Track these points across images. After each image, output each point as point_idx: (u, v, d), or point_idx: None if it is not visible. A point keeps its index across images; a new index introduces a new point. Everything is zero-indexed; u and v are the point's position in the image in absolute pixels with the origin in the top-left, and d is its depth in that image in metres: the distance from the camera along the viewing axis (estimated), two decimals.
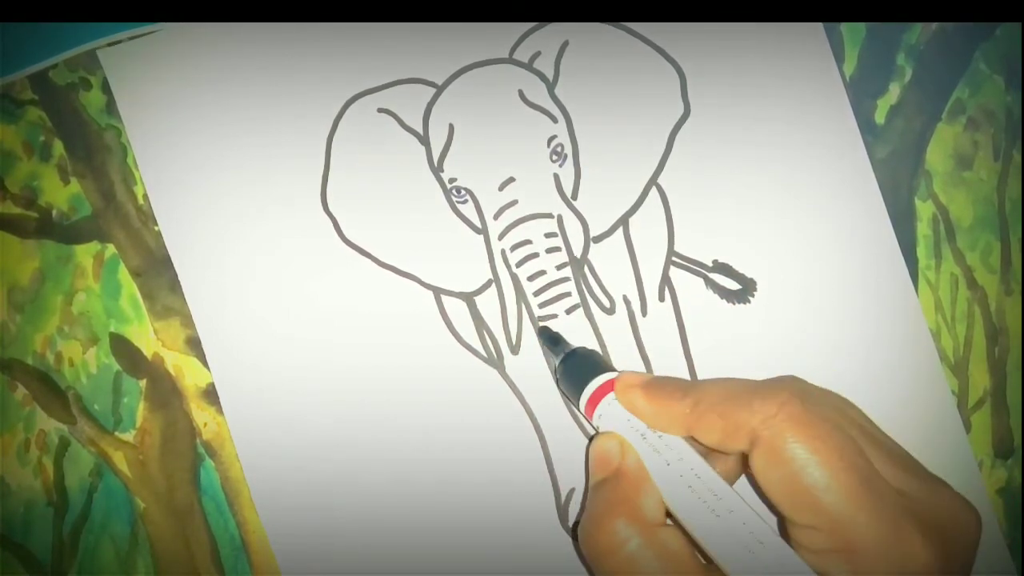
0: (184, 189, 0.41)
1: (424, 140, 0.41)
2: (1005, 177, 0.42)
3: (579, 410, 0.35)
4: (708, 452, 0.32)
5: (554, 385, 0.40)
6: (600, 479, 0.32)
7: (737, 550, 0.28)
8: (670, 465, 0.30)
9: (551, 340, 0.38)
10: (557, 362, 0.37)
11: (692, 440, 0.31)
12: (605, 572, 0.30)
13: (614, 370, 0.35)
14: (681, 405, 0.31)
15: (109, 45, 0.42)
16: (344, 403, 0.40)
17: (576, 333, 0.39)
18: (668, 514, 0.31)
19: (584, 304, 0.40)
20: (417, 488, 0.40)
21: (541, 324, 0.39)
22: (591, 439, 0.33)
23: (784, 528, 0.29)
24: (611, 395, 0.33)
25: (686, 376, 0.40)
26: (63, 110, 0.42)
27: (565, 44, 0.41)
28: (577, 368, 0.36)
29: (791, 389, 0.29)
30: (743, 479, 0.33)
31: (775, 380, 0.31)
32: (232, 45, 0.41)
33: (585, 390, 0.34)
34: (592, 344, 0.40)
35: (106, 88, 0.42)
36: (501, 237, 0.40)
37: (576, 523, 0.33)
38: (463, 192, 0.40)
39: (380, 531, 0.40)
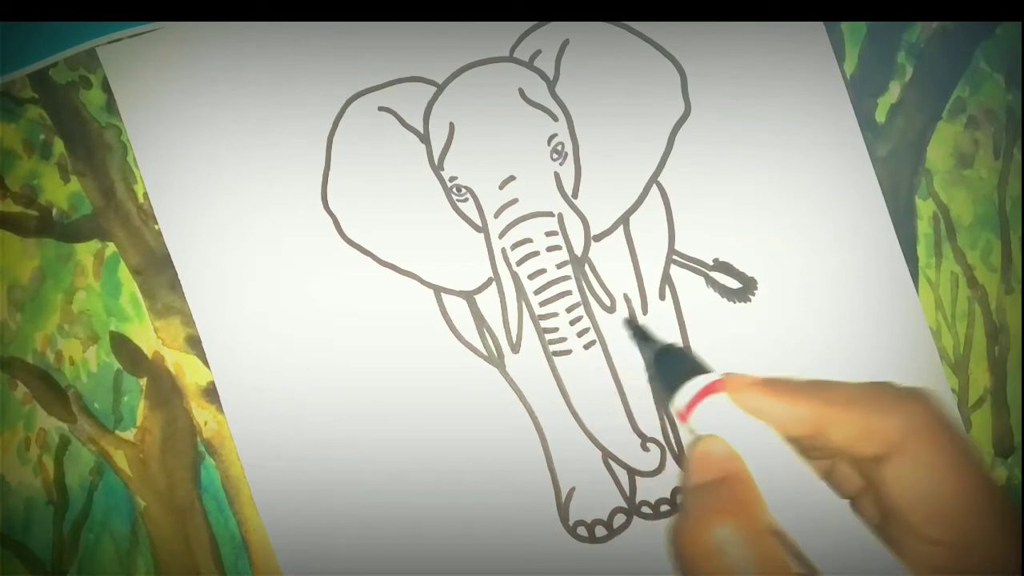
0: (184, 187, 0.41)
1: (425, 139, 0.41)
2: (1005, 175, 0.42)
3: (674, 407, 0.33)
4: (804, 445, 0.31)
5: (554, 384, 0.40)
6: (704, 481, 0.31)
7: (842, 562, 0.28)
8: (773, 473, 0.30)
9: (641, 333, 0.37)
10: (652, 356, 0.35)
11: (802, 439, 0.31)
12: (703, 574, 0.29)
13: (713, 371, 0.34)
14: (812, 403, 0.30)
15: (109, 43, 0.42)
16: (344, 401, 0.40)
17: (576, 332, 0.39)
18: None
19: (585, 302, 0.40)
20: (417, 486, 0.40)
21: (626, 317, 0.39)
22: (693, 443, 0.32)
23: (889, 536, 0.29)
24: (721, 395, 0.31)
25: None
26: (63, 109, 0.42)
27: (566, 43, 0.41)
28: (676, 364, 0.33)
29: (929, 398, 0.29)
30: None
31: (903, 388, 0.31)
32: (233, 44, 0.41)
33: (686, 387, 0.32)
34: (592, 344, 0.40)
35: (106, 87, 0.42)
36: (502, 235, 0.40)
37: (675, 530, 0.32)
38: (463, 190, 0.40)
39: (380, 529, 0.40)
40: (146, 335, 0.41)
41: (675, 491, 0.40)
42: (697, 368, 0.33)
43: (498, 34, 0.41)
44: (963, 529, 0.27)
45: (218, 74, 0.41)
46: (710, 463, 0.31)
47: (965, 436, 0.30)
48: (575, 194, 0.40)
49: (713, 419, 0.31)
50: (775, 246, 0.40)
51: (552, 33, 0.41)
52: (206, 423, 0.41)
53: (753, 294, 0.40)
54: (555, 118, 0.40)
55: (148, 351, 0.41)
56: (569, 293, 0.40)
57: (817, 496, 0.29)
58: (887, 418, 0.29)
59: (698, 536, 0.29)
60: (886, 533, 0.29)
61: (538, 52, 0.41)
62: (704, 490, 0.30)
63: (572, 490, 0.40)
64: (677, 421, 0.33)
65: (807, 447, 0.30)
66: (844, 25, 0.41)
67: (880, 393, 0.30)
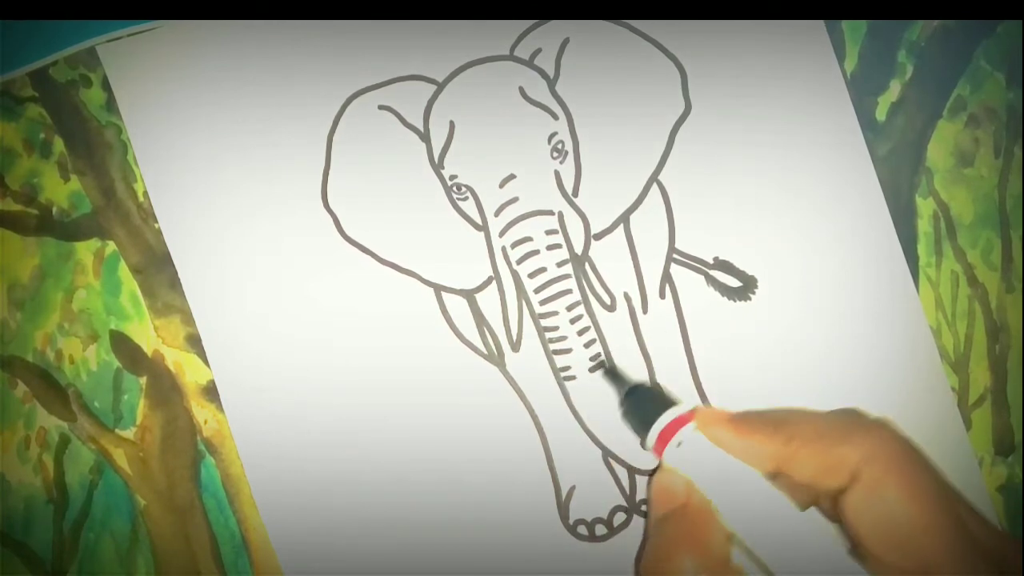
0: (184, 186, 0.41)
1: (425, 137, 0.41)
2: (1006, 174, 0.42)
3: (646, 444, 0.34)
4: (774, 479, 0.31)
5: (554, 383, 0.40)
6: (665, 514, 0.32)
7: None
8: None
9: (612, 374, 0.38)
10: (623, 395, 0.36)
11: (775, 475, 0.31)
12: None
13: (681, 403, 0.34)
14: (775, 440, 0.30)
15: (109, 42, 0.42)
16: (344, 400, 0.40)
17: (577, 331, 0.39)
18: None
19: (585, 301, 0.40)
20: (417, 484, 0.40)
21: (600, 360, 0.39)
22: (651, 473, 0.32)
23: (861, 560, 0.29)
24: (691, 426, 0.32)
25: (688, 371, 0.40)
26: (63, 107, 0.42)
27: (566, 41, 0.41)
28: (646, 401, 0.35)
29: (888, 427, 0.30)
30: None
31: (861, 415, 0.31)
32: (233, 42, 0.41)
33: (656, 423, 0.33)
34: (592, 342, 0.40)
35: (106, 85, 0.41)
36: (502, 234, 0.40)
37: (638, 558, 0.33)
38: (464, 189, 0.40)
39: (381, 528, 0.40)
40: (146, 334, 0.41)
41: None
42: (667, 403, 0.34)
43: (498, 33, 0.41)
44: (927, 555, 0.27)
45: (218, 73, 0.41)
46: (668, 496, 0.32)
47: (927, 462, 0.29)
48: (575, 193, 0.40)
49: (687, 453, 0.32)
50: (775, 244, 0.40)
51: (552, 32, 0.41)
52: (206, 422, 0.41)
53: (753, 292, 0.40)
54: (555, 116, 0.40)
55: (148, 350, 0.41)
56: (569, 292, 0.40)
57: (792, 524, 0.30)
58: (845, 449, 0.29)
59: (663, 566, 0.30)
60: (858, 559, 0.29)
61: (538, 51, 0.41)
62: (665, 522, 0.31)
63: (572, 488, 0.40)
64: (652, 456, 0.34)
65: (780, 484, 0.31)
66: (844, 24, 0.41)
67: (841, 424, 0.30)
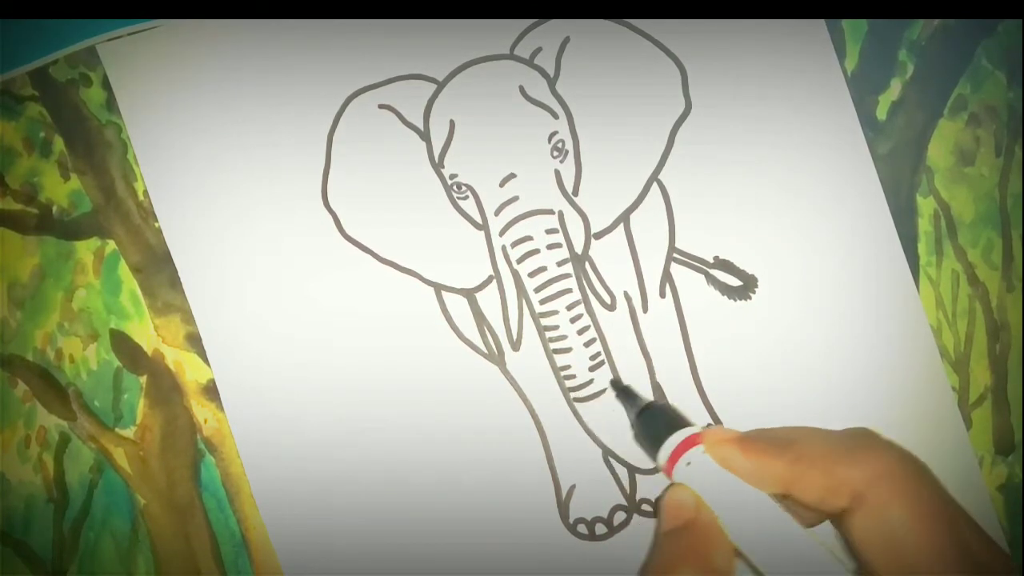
0: (184, 185, 0.41)
1: (425, 136, 0.41)
2: (1007, 173, 0.41)
3: (657, 463, 0.34)
4: (782, 500, 0.31)
5: (554, 382, 0.40)
6: (671, 528, 0.32)
7: None
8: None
9: (624, 391, 0.38)
10: (635, 414, 0.36)
11: (782, 496, 0.31)
12: None
13: (693, 424, 0.34)
14: (780, 461, 0.30)
15: (109, 41, 0.42)
16: (345, 399, 0.40)
17: (577, 330, 0.39)
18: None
19: (585, 300, 0.40)
20: (417, 483, 0.40)
21: (612, 378, 0.39)
22: (665, 490, 0.33)
23: None
24: (699, 448, 0.32)
25: (688, 370, 0.40)
26: (63, 106, 0.42)
27: (566, 40, 0.41)
28: (657, 420, 0.35)
29: (896, 448, 0.29)
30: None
31: (872, 436, 0.31)
32: (233, 41, 0.41)
33: (667, 442, 0.33)
34: (592, 341, 0.40)
35: (106, 84, 0.41)
36: (502, 233, 0.40)
37: (642, 570, 0.33)
38: (464, 188, 0.40)
39: (381, 527, 0.40)
40: (146, 333, 0.41)
41: None
42: (678, 422, 0.34)
43: (498, 31, 0.41)
44: None
45: (218, 72, 0.41)
46: (678, 510, 0.32)
47: (935, 484, 0.29)
48: (575, 192, 0.40)
49: (695, 473, 0.32)
50: (776, 243, 0.40)
51: (553, 30, 0.41)
52: (206, 421, 0.41)
53: (754, 292, 0.40)
54: (556, 116, 0.40)
55: (148, 349, 0.41)
56: (569, 291, 0.40)
57: (799, 546, 0.30)
58: (851, 470, 0.29)
59: None
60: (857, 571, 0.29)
61: (539, 49, 0.41)
62: (671, 536, 0.31)
63: (572, 488, 0.40)
64: (663, 476, 0.34)
65: (788, 506, 0.31)
66: (845, 22, 0.41)
67: (849, 445, 0.30)
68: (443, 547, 0.40)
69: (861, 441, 0.30)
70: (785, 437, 0.31)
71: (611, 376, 0.40)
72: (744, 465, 0.31)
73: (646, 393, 0.40)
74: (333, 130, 0.41)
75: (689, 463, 0.32)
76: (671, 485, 0.33)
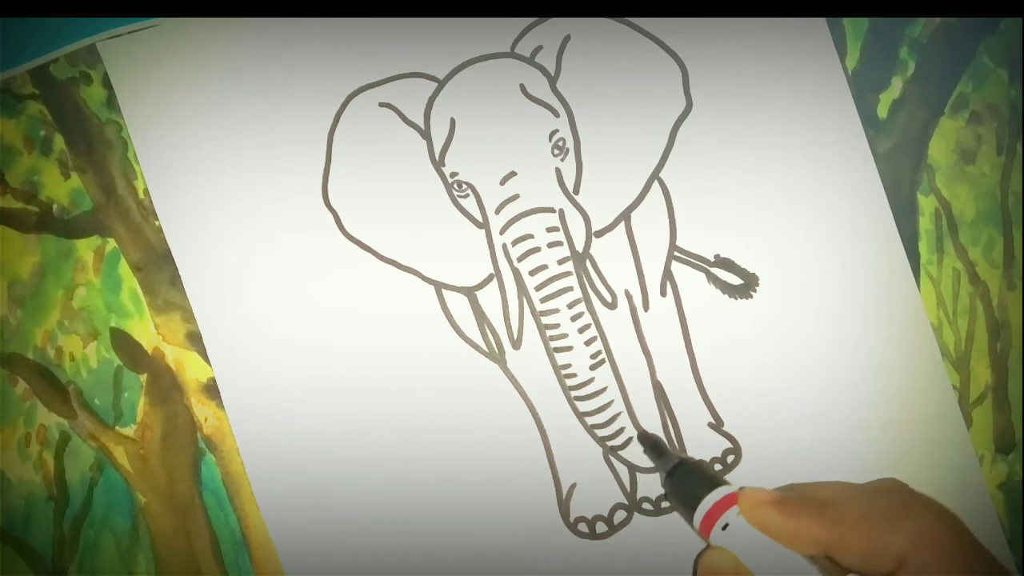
0: (185, 184, 0.41)
1: (425, 134, 0.41)
2: (1008, 171, 0.41)
3: (692, 525, 0.34)
4: (819, 562, 0.31)
5: (555, 380, 0.40)
6: None
7: None
8: None
9: (654, 447, 0.38)
10: (665, 473, 0.36)
11: (815, 559, 0.31)
12: None
13: (727, 483, 0.34)
14: (819, 525, 0.30)
15: (109, 39, 0.41)
16: (345, 397, 0.40)
17: (578, 328, 0.39)
18: None
19: (586, 299, 0.40)
20: (418, 483, 0.40)
21: (641, 430, 0.39)
22: (702, 552, 0.33)
23: None
24: (734, 509, 0.32)
25: (689, 369, 0.40)
26: (64, 104, 0.42)
27: (567, 39, 0.41)
28: (690, 480, 0.35)
29: (931, 506, 0.30)
30: None
31: (908, 495, 0.31)
32: (233, 40, 0.41)
33: (702, 504, 0.33)
34: (593, 340, 0.40)
35: (107, 82, 0.41)
36: (503, 231, 0.40)
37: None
38: (464, 186, 0.40)
39: (381, 525, 0.40)
40: (146, 331, 0.41)
41: None
42: (711, 481, 0.34)
43: (499, 30, 0.41)
44: None
45: (218, 70, 0.41)
46: (715, 574, 0.32)
47: (975, 544, 0.30)
48: (576, 190, 0.40)
49: (732, 537, 0.32)
50: (776, 242, 0.40)
51: (553, 29, 0.41)
52: (206, 419, 0.41)
53: (755, 290, 0.40)
54: (556, 114, 0.40)
55: (148, 347, 0.41)
56: (570, 289, 0.40)
57: None
58: (893, 533, 0.29)
59: None
60: None
61: (539, 48, 0.41)
62: None
63: (573, 486, 0.40)
64: (699, 537, 0.34)
65: (822, 567, 0.31)
66: (846, 21, 0.41)
67: (888, 506, 0.30)
68: (444, 545, 0.40)
69: (898, 500, 0.30)
70: (820, 497, 0.31)
71: (637, 430, 0.39)
72: (782, 528, 0.31)
73: (648, 392, 0.40)
74: (333, 128, 0.41)
75: (726, 526, 0.32)
76: (708, 548, 0.33)
